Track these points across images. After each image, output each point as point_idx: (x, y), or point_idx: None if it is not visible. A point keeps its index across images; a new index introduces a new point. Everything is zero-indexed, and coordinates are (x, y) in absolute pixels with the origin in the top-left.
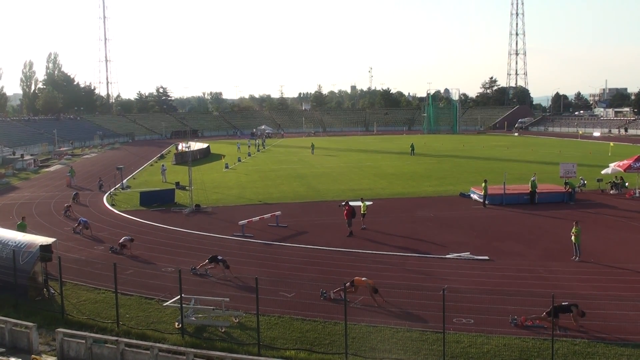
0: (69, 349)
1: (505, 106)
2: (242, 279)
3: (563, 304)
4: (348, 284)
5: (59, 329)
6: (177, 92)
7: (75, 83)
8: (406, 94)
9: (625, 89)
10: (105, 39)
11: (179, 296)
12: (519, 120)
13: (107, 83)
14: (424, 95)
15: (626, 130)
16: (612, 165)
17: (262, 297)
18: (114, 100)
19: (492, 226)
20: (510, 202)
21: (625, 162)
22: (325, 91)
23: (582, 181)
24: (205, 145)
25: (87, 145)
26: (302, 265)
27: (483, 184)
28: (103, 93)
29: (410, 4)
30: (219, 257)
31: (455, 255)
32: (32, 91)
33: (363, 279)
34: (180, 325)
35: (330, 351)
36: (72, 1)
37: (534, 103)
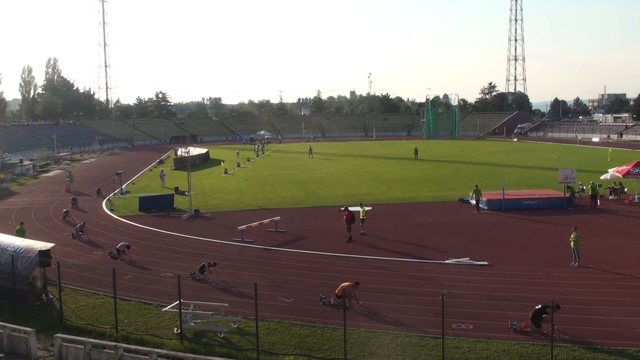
0: (68, 354)
1: (505, 112)
2: (241, 284)
3: (537, 307)
4: (334, 298)
5: (57, 334)
6: (177, 97)
7: (74, 88)
8: (405, 99)
9: (624, 95)
10: (105, 44)
11: (177, 301)
12: (518, 125)
13: (107, 88)
14: (423, 100)
15: (621, 136)
16: (611, 170)
17: (261, 303)
18: (113, 106)
19: (492, 231)
20: (510, 208)
21: (624, 167)
22: (324, 96)
23: (580, 187)
24: (204, 150)
25: (86, 151)
26: (301, 271)
27: (474, 189)
28: (102, 98)
29: (409, 9)
30: (205, 264)
31: (454, 260)
32: (31, 96)
33: (344, 284)
34: (179, 331)
35: (330, 356)
36: (72, 7)
37: (533, 109)
